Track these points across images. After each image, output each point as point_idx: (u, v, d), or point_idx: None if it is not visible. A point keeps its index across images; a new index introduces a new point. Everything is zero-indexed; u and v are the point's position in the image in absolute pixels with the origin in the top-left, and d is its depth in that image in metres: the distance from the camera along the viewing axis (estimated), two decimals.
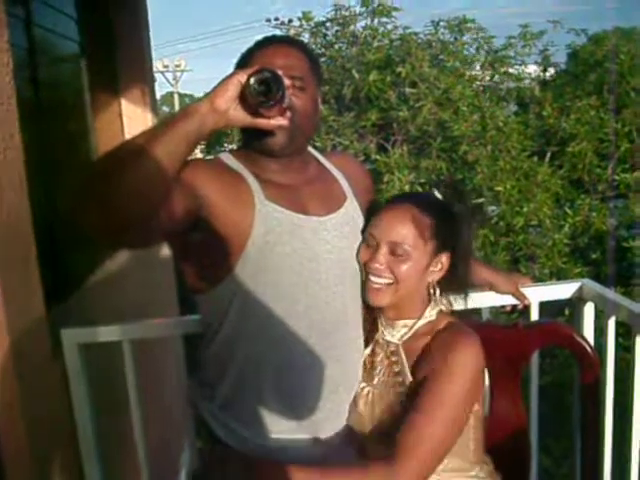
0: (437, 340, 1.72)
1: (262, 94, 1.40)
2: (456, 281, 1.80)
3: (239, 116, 1.44)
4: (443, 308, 1.80)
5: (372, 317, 1.84)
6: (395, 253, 1.70)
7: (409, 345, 1.76)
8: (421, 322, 1.76)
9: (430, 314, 1.77)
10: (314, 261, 1.67)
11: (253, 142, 1.67)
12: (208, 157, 1.91)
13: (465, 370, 1.63)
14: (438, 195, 1.81)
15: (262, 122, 1.47)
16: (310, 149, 1.84)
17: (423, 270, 1.73)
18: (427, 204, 1.75)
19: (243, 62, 1.66)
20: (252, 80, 1.40)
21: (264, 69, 1.42)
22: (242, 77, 1.41)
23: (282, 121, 1.49)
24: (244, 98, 1.42)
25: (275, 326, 1.65)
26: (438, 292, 1.77)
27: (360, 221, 1.81)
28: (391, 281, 1.72)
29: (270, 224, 1.61)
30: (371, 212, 1.81)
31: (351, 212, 1.79)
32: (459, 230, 1.75)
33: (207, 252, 1.61)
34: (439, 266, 1.75)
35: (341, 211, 1.77)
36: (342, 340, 1.75)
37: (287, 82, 1.45)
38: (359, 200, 1.83)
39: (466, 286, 1.84)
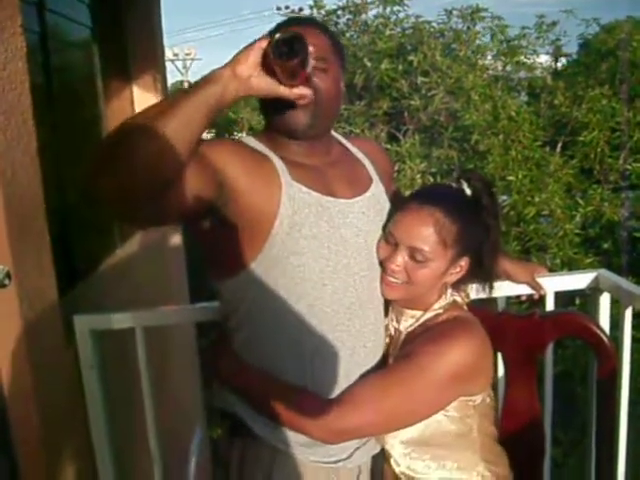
0: (434, 328, 1.71)
1: (284, 54, 1.36)
2: (479, 278, 1.81)
3: (261, 84, 1.41)
4: (458, 299, 1.79)
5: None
6: (414, 257, 1.67)
7: (412, 333, 1.76)
8: (428, 314, 1.75)
9: (439, 307, 1.75)
10: (341, 244, 1.64)
11: (276, 122, 1.63)
12: None
13: (445, 360, 1.62)
14: (467, 190, 1.72)
15: (284, 91, 1.43)
16: (333, 133, 1.81)
17: (441, 275, 1.70)
18: (453, 206, 1.68)
19: None
20: (274, 40, 1.36)
21: (287, 30, 1.39)
22: (264, 43, 1.38)
23: (304, 90, 1.46)
24: (267, 65, 1.39)
25: (303, 311, 1.62)
26: (450, 291, 1.77)
27: (386, 205, 1.78)
28: (406, 281, 1.70)
29: (297, 205, 1.57)
30: (394, 206, 1.78)
31: (377, 196, 1.76)
32: (483, 232, 1.71)
33: (234, 235, 1.57)
34: (458, 269, 1.72)
35: (367, 194, 1.74)
36: (369, 325, 1.73)
37: (311, 49, 1.41)
38: (384, 184, 1.81)
39: (490, 281, 1.83)
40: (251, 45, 1.40)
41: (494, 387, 2.08)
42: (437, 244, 1.65)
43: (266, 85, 1.41)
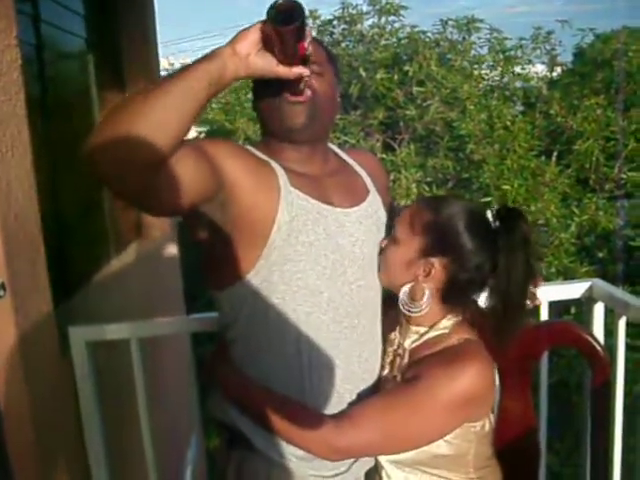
0: (442, 353, 1.68)
1: (282, 22, 1.34)
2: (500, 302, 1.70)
3: (260, 63, 1.40)
4: (468, 318, 1.75)
5: (393, 316, 1.82)
6: (391, 237, 1.72)
7: (416, 352, 1.74)
8: (432, 333, 1.72)
9: (444, 326, 1.72)
10: (337, 253, 1.64)
11: (273, 124, 1.64)
12: None
13: (455, 385, 1.59)
14: (490, 216, 1.69)
15: (283, 70, 1.43)
16: (330, 145, 1.82)
17: (405, 263, 1.68)
18: (440, 206, 1.69)
19: None
20: (273, 6, 1.35)
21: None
22: (262, 24, 1.38)
23: (303, 69, 1.45)
24: (266, 44, 1.39)
25: (300, 319, 1.62)
26: (427, 299, 1.68)
27: (382, 216, 1.79)
28: (385, 262, 1.74)
29: (295, 211, 1.57)
30: (390, 217, 1.80)
31: (374, 206, 1.77)
32: (484, 251, 1.66)
33: (233, 241, 1.57)
34: (428, 270, 1.66)
35: (364, 204, 1.74)
36: (365, 334, 1.73)
37: (308, 30, 1.40)
38: (380, 195, 1.81)
39: (508, 305, 1.68)
40: (251, 26, 1.41)
41: None
42: (406, 225, 1.68)
43: (264, 64, 1.41)
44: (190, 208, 1.47)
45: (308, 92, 1.54)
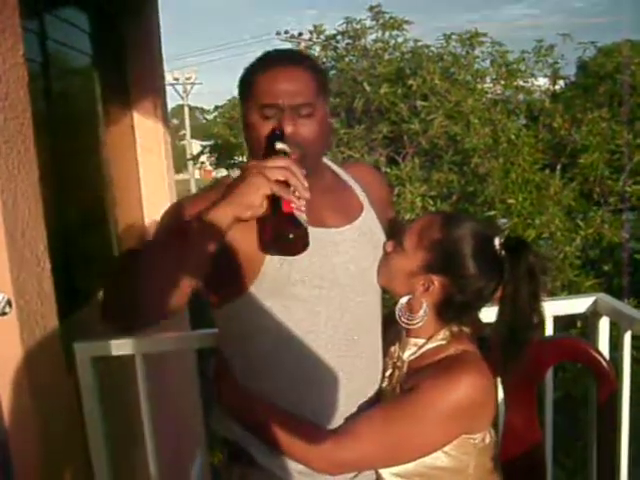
0: (439, 363, 1.69)
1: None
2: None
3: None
4: (466, 330, 1.76)
5: (394, 332, 1.82)
6: (398, 244, 1.72)
7: (414, 363, 1.75)
8: (430, 345, 1.73)
9: (442, 337, 1.73)
10: (332, 273, 1.65)
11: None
12: (218, 170, 1.88)
13: (451, 395, 1.60)
14: (497, 243, 1.69)
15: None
16: (325, 160, 1.81)
17: (406, 273, 1.70)
18: (451, 226, 1.69)
19: (246, 86, 1.63)
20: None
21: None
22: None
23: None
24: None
25: (299, 338, 1.63)
26: (423, 313, 1.70)
27: (378, 231, 1.79)
28: (385, 264, 1.75)
29: None
30: (394, 233, 1.80)
31: (368, 222, 1.77)
32: (469, 266, 1.67)
33: (226, 271, 1.58)
34: (427, 286, 1.68)
35: (358, 221, 1.74)
36: (366, 351, 1.73)
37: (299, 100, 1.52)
38: (377, 209, 1.81)
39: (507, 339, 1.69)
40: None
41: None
42: (415, 236, 1.70)
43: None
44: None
45: (295, 154, 1.54)
